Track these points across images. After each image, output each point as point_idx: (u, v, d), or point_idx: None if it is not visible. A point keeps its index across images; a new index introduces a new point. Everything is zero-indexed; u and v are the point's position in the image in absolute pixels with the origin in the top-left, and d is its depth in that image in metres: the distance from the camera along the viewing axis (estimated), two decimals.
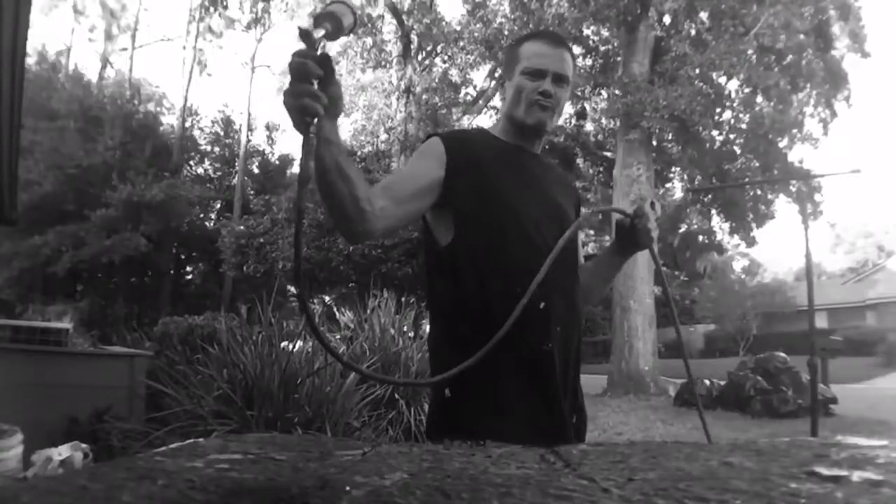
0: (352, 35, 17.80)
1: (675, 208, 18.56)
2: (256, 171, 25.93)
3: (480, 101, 19.03)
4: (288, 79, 0.91)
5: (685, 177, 15.15)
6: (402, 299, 4.89)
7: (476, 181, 1.20)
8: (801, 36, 11.66)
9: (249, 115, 25.08)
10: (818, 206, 12.83)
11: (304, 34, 0.89)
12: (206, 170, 26.72)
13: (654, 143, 12.18)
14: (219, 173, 26.32)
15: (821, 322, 21.93)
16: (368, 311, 4.66)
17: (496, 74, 17.30)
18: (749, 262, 36.10)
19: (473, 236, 1.19)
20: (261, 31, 24.36)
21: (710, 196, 14.38)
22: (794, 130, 12.22)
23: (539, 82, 1.26)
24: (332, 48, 19.29)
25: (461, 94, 19.75)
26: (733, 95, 12.06)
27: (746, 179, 12.39)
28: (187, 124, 24.88)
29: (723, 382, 8.61)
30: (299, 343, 3.55)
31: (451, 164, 1.20)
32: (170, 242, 22.20)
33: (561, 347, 1.19)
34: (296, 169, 26.17)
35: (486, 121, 18.39)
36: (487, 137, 1.35)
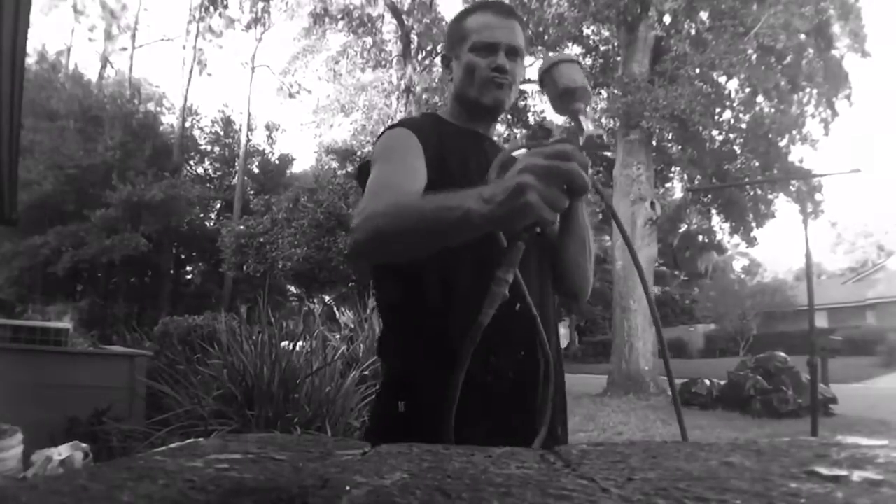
0: (352, 35, 17.81)
1: (675, 208, 18.57)
2: (256, 170, 25.95)
3: None
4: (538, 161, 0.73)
5: (685, 177, 15.14)
6: None
7: (444, 174, 1.07)
8: (802, 36, 11.66)
9: (249, 114, 25.12)
10: (819, 206, 12.83)
11: (590, 138, 0.81)
12: (206, 170, 26.75)
13: (654, 142, 12.18)
14: (219, 173, 26.35)
15: (821, 322, 21.92)
16: (368, 311, 4.66)
17: None
18: (749, 261, 36.10)
19: None
20: (261, 30, 24.37)
21: (710, 196, 14.38)
22: (794, 131, 12.22)
23: (492, 58, 1.14)
24: (333, 48, 19.30)
25: None
26: (733, 95, 12.07)
27: (746, 179, 12.39)
28: (187, 124, 24.91)
29: (723, 382, 8.62)
30: (299, 343, 3.55)
31: (426, 157, 1.09)
32: (170, 242, 22.22)
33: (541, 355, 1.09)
34: (296, 168, 26.22)
35: None
36: (444, 124, 1.21)
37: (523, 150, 1.24)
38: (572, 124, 0.85)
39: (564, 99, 0.89)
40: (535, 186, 0.71)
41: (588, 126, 0.82)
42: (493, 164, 0.99)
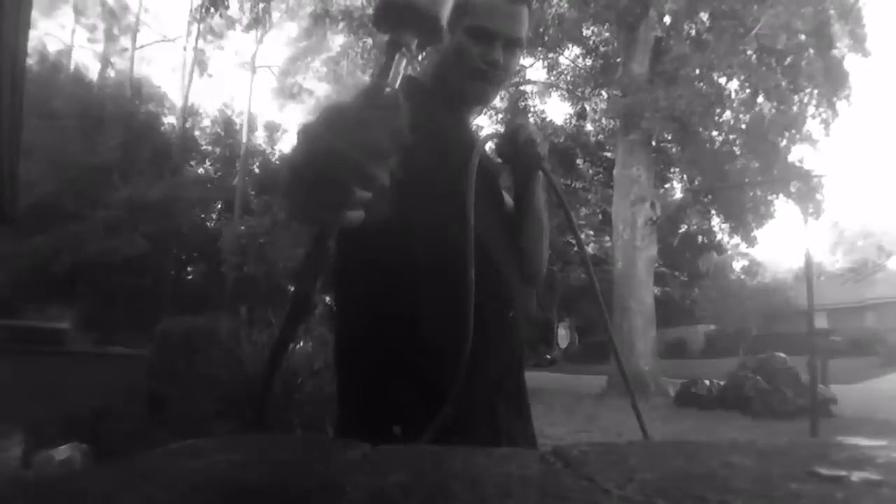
0: (352, 35, 17.81)
1: (675, 208, 18.59)
2: (257, 171, 25.97)
3: None
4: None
5: (685, 177, 15.16)
6: None
7: (432, 156, 0.92)
8: (802, 36, 11.67)
9: (250, 115, 25.14)
10: (820, 206, 12.83)
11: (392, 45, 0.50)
12: (206, 170, 26.75)
13: (654, 143, 12.20)
14: (219, 173, 26.35)
15: (821, 322, 21.91)
16: None
17: None
18: (749, 262, 36.10)
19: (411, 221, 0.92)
20: (261, 31, 24.38)
21: (710, 196, 14.40)
22: (794, 131, 12.23)
23: (486, 47, 1.00)
24: (333, 48, 19.29)
25: None
26: (733, 96, 12.08)
27: (746, 180, 12.40)
28: (188, 124, 24.92)
29: (723, 383, 8.63)
30: (300, 344, 3.55)
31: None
32: (170, 243, 22.22)
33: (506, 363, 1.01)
34: None
35: (486, 121, 18.35)
36: (431, 102, 1.05)
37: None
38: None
39: (380, 14, 0.55)
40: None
41: (396, 78, 0.50)
42: (474, 153, 0.90)
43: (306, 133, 0.47)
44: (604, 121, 15.13)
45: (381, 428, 0.85)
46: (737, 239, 15.79)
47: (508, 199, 1.15)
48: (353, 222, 0.49)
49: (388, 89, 0.47)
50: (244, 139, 24.40)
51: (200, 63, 24.69)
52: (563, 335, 26.28)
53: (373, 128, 0.44)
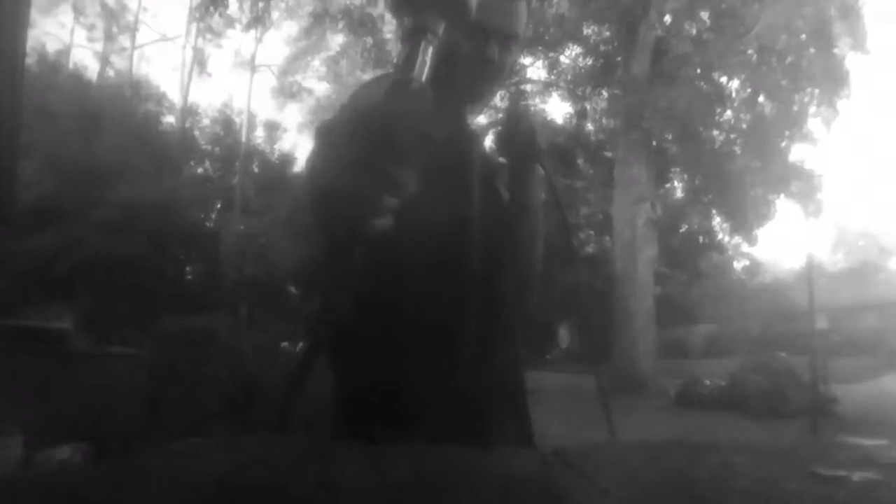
0: (351, 34, 17.81)
1: (675, 208, 18.57)
2: (257, 170, 25.95)
3: None
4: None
5: (685, 177, 15.15)
6: None
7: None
8: (803, 35, 11.66)
9: (250, 114, 25.15)
10: (820, 205, 12.82)
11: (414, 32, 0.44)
12: (206, 170, 26.73)
13: (655, 143, 12.19)
14: (219, 173, 26.33)
15: (821, 323, 21.86)
16: None
17: None
18: (750, 262, 36.08)
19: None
20: (261, 30, 24.37)
21: (710, 196, 14.39)
22: (795, 130, 12.22)
23: (480, 44, 0.95)
24: (333, 47, 19.27)
25: None
26: (734, 95, 12.07)
27: (747, 180, 12.38)
28: (187, 124, 24.92)
29: (723, 383, 8.62)
30: (300, 343, 3.55)
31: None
32: (170, 243, 22.21)
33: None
34: (297, 169, 26.22)
35: (485, 121, 18.29)
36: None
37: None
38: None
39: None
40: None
41: (422, 68, 0.44)
42: (473, 151, 0.87)
43: (329, 137, 0.44)
44: (604, 120, 15.10)
45: (373, 429, 0.85)
46: (738, 239, 15.78)
47: (506, 195, 1.11)
48: (382, 230, 0.47)
49: (414, 84, 0.42)
50: (244, 139, 24.41)
51: (200, 62, 24.70)
52: (563, 335, 26.25)
53: (401, 132, 0.41)
